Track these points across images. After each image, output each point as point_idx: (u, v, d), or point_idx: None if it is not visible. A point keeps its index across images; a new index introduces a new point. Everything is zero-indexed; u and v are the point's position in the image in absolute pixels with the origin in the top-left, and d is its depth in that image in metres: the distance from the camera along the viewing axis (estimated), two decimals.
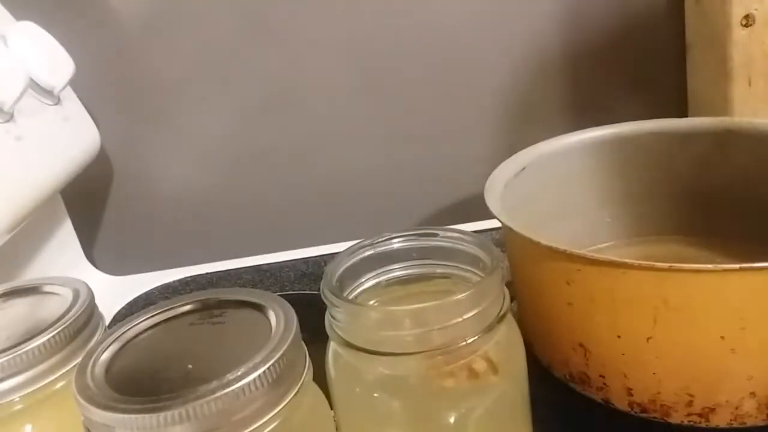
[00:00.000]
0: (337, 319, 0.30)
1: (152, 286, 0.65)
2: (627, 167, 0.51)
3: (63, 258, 0.65)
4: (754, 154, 0.47)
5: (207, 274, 0.66)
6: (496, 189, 0.44)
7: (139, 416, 0.22)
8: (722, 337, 0.33)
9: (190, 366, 0.25)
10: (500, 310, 0.30)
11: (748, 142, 0.48)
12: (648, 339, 0.35)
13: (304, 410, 0.25)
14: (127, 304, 0.62)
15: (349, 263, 0.32)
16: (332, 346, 0.31)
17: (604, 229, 0.52)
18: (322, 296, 0.30)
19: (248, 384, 0.23)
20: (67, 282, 0.35)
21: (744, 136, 0.48)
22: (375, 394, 0.30)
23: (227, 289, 0.29)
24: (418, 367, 0.29)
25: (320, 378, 0.29)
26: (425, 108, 0.69)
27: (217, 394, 0.22)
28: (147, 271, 0.68)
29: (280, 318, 0.26)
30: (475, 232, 0.32)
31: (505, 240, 0.43)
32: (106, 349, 0.26)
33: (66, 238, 0.66)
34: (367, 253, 0.33)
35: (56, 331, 0.30)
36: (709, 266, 0.32)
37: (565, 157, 0.50)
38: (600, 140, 0.51)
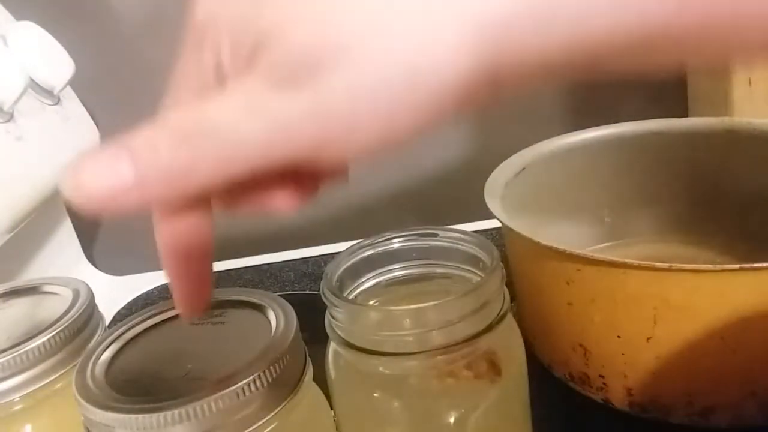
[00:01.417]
0: (337, 319, 0.30)
1: (152, 286, 0.64)
2: (627, 167, 0.51)
3: (63, 258, 0.65)
4: (754, 154, 0.47)
5: None
6: (496, 189, 0.44)
7: (139, 416, 0.22)
8: (722, 338, 0.33)
9: (190, 366, 0.25)
10: (500, 310, 0.30)
11: (748, 142, 0.48)
12: (648, 339, 0.35)
13: (304, 410, 0.25)
14: (127, 304, 0.62)
15: (349, 263, 0.32)
16: (332, 346, 0.31)
17: (604, 229, 0.52)
18: (322, 296, 0.30)
19: (248, 384, 0.23)
20: (67, 282, 0.35)
21: (744, 136, 0.48)
22: (375, 394, 0.30)
23: (227, 289, 0.29)
24: (418, 367, 0.29)
25: (320, 378, 0.29)
26: None
27: (217, 394, 0.22)
28: (147, 271, 0.68)
29: (280, 318, 0.26)
30: (475, 232, 0.32)
31: (505, 240, 0.43)
32: (106, 349, 0.26)
33: (66, 238, 0.66)
34: (367, 253, 0.33)
35: (56, 331, 0.30)
36: (709, 266, 0.32)
37: (565, 157, 0.50)
38: (600, 140, 0.51)
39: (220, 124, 0.19)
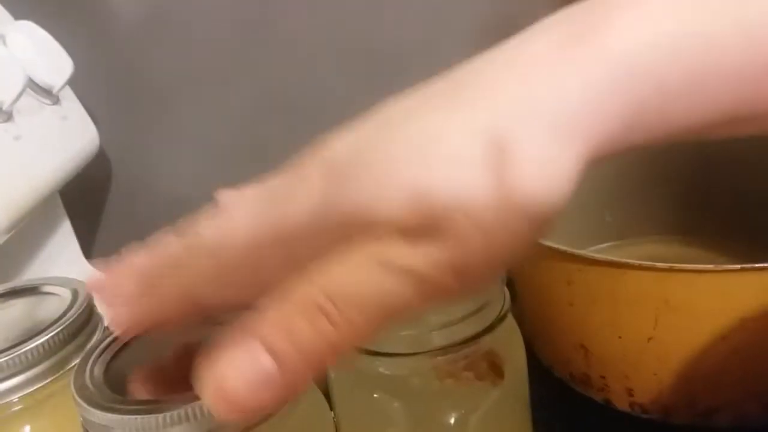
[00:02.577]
0: None
1: None
2: (627, 167, 0.51)
3: (61, 258, 0.65)
4: (755, 153, 0.47)
5: None
6: None
7: (139, 417, 0.22)
8: (723, 338, 0.33)
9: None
10: (500, 310, 0.30)
11: (749, 142, 0.47)
12: (649, 339, 0.34)
13: (304, 411, 0.25)
14: None
15: None
16: None
17: (604, 229, 0.52)
18: None
19: None
20: (66, 282, 0.35)
21: (745, 135, 0.48)
22: (375, 395, 0.30)
23: None
24: (418, 367, 0.29)
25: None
26: None
27: None
28: None
29: None
30: None
31: None
32: (104, 350, 0.26)
33: (65, 238, 0.66)
34: None
35: (55, 332, 0.30)
36: (710, 266, 0.32)
37: None
38: None
39: (356, 287, 0.18)
